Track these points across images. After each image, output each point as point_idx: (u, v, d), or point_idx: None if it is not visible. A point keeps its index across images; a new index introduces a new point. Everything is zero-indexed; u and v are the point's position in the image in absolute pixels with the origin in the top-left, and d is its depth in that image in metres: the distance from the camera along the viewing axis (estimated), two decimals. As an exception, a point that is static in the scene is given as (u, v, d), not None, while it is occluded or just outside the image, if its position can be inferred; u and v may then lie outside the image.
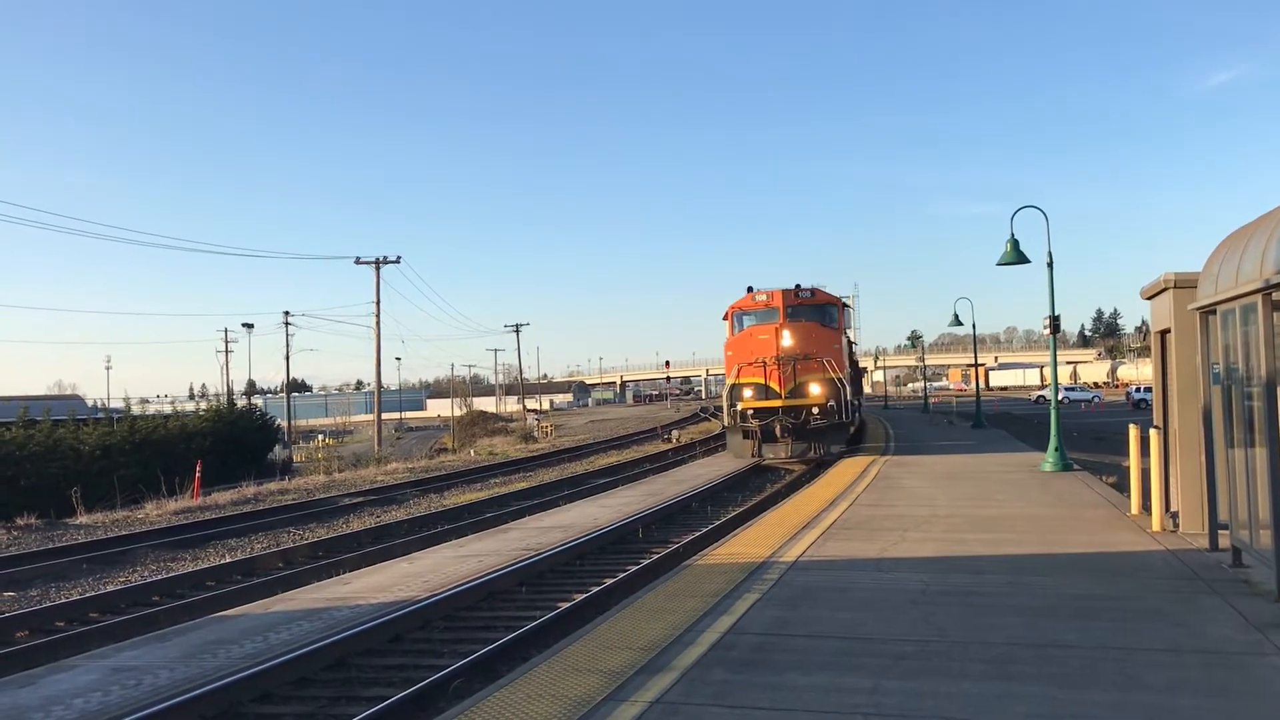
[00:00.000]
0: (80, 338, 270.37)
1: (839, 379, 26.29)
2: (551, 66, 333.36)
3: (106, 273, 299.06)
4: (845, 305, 30.31)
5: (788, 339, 26.43)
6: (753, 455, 26.74)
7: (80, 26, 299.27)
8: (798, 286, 28.00)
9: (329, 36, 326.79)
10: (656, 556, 14.47)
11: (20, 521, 24.39)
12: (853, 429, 28.82)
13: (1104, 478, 19.77)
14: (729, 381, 27.74)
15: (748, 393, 26.77)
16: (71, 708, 7.49)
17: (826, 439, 26.42)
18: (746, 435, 26.84)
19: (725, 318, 28.79)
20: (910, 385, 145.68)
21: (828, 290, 29.24)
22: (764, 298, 27.73)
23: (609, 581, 12.76)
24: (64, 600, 14.28)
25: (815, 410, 26.12)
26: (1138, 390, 77.12)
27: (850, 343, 34.62)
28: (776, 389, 26.43)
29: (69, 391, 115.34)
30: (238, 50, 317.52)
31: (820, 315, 27.97)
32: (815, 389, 26.22)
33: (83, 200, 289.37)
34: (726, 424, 28.19)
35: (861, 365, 51.44)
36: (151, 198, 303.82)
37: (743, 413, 26.87)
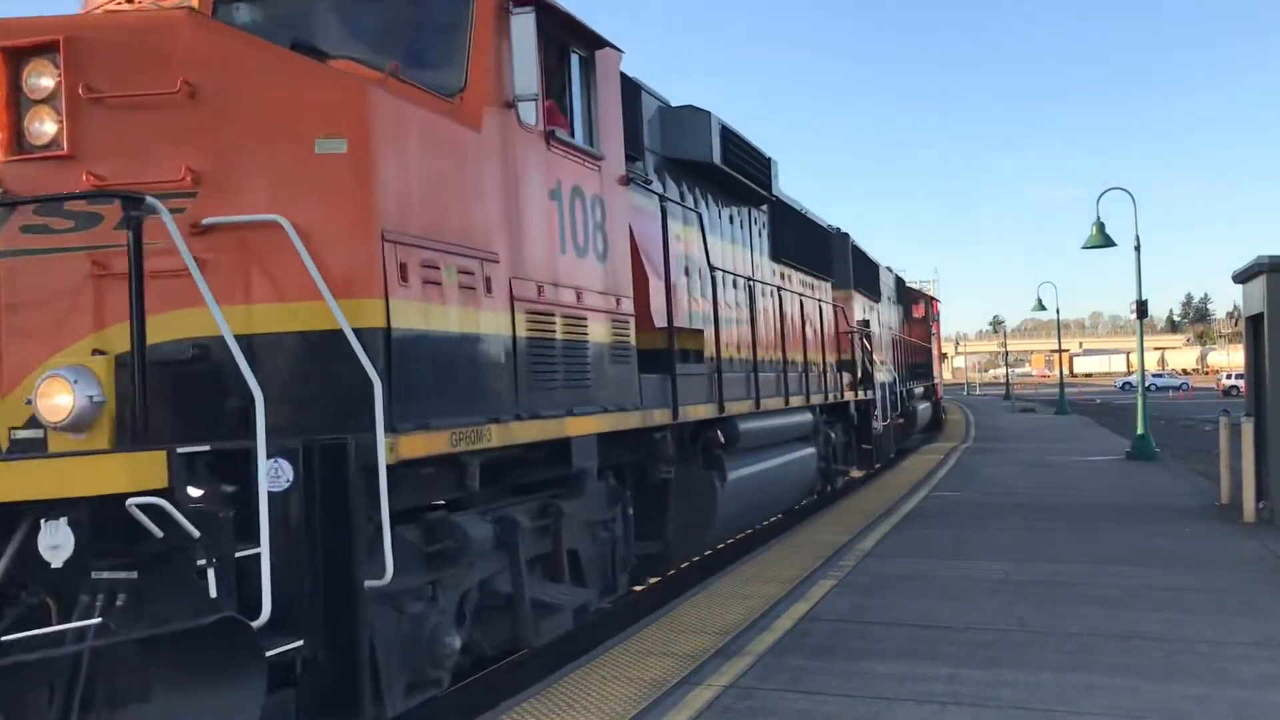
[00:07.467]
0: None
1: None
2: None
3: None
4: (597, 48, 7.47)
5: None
6: None
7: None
8: None
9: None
10: (732, 540, 14.44)
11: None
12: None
13: (1192, 467, 19.26)
14: None
15: None
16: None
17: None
18: None
19: None
20: (991, 371, 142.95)
21: None
22: None
23: (684, 565, 12.78)
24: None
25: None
26: (1229, 377, 74.77)
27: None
28: None
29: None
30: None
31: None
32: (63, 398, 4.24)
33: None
34: None
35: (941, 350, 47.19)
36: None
37: None
